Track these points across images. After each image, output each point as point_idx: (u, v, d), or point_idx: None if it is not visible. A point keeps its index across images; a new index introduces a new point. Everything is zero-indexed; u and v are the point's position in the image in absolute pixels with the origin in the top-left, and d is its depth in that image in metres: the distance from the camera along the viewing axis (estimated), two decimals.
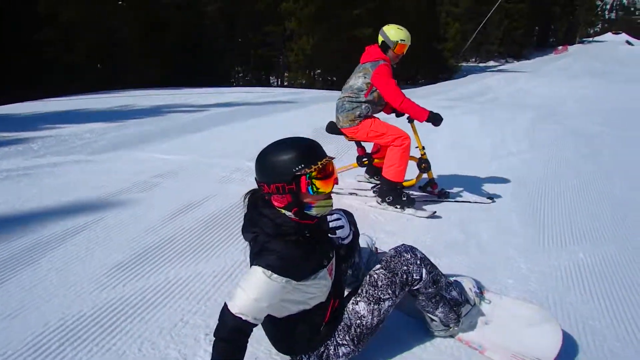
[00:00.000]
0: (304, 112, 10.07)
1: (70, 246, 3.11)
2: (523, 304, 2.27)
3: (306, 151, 1.67)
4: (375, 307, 1.90)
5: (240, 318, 1.58)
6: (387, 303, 1.92)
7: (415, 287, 1.98)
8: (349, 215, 2.06)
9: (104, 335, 2.19)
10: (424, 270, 1.97)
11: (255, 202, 1.78)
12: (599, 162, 6.25)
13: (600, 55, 43.54)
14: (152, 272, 2.79)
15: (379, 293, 1.91)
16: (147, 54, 21.90)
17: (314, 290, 1.78)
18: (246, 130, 7.69)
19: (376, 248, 2.53)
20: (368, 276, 1.97)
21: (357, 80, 3.76)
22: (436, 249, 3.21)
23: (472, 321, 2.17)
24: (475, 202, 4.20)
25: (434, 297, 2.04)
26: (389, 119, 4.16)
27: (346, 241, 1.98)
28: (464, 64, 44.97)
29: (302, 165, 1.63)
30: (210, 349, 1.63)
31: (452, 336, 2.20)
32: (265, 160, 1.67)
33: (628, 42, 56.19)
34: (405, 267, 1.94)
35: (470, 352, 2.12)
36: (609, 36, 67.57)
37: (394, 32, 3.82)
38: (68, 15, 19.26)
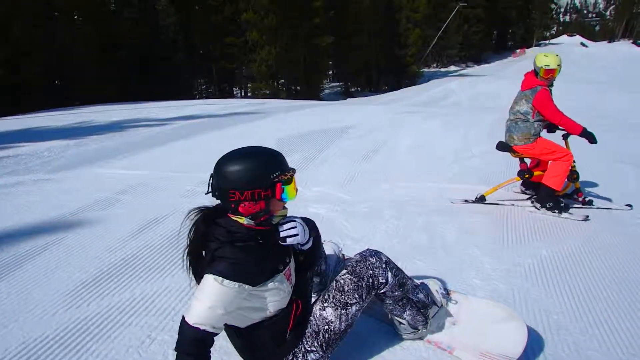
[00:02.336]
0: (267, 123, 10.07)
1: (30, 268, 3.02)
2: (488, 303, 2.31)
3: (279, 158, 1.73)
4: (343, 312, 1.90)
5: (199, 328, 1.57)
6: (354, 308, 1.92)
7: (382, 291, 1.99)
8: (309, 222, 2.08)
9: (69, 357, 2.14)
10: (389, 274, 1.98)
11: (207, 217, 1.75)
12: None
13: None
14: (117, 290, 2.73)
15: (346, 298, 1.91)
16: (104, 71, 21.48)
17: (272, 296, 1.77)
18: (209, 142, 7.63)
19: (343, 255, 2.54)
20: (334, 282, 1.97)
21: (521, 106, 4.26)
22: (403, 253, 3.24)
23: (440, 322, 2.20)
24: (615, 209, 4.34)
25: (401, 301, 2.06)
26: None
27: (305, 247, 1.95)
28: (426, 69, 45.81)
29: (279, 172, 1.69)
30: None
31: (421, 338, 2.22)
32: (238, 167, 1.66)
33: (582, 44, 58.27)
34: (370, 271, 1.95)
35: (439, 353, 2.14)
36: (564, 38, 70.01)
37: (539, 60, 4.26)
38: (16, 34, 18.73)
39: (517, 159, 4.58)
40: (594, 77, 28.77)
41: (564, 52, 48.55)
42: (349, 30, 34.35)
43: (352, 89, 39.46)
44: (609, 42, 67.09)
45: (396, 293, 2.02)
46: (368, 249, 2.06)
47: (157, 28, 25.50)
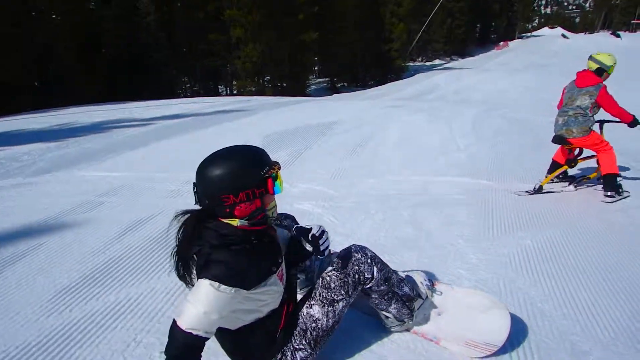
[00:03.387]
0: (253, 120, 10.02)
1: (10, 275, 2.95)
2: (472, 292, 2.33)
3: (263, 154, 1.71)
4: (330, 308, 1.90)
5: (191, 333, 1.54)
6: (341, 304, 1.92)
7: (368, 286, 1.99)
8: (293, 220, 2.06)
9: None
10: (375, 269, 1.98)
11: (196, 219, 1.70)
12: (542, 150, 6.49)
13: (538, 49, 45.47)
14: (101, 294, 2.68)
15: (333, 295, 1.91)
16: (85, 71, 21.15)
17: (266, 298, 1.75)
18: (194, 141, 7.57)
19: (329, 250, 2.53)
20: (320, 279, 1.96)
21: (583, 100, 4.50)
22: (389, 246, 3.27)
23: (425, 314, 2.21)
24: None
25: (387, 294, 2.06)
26: None
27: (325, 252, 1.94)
28: (411, 63, 45.95)
29: (267, 168, 1.68)
30: None
31: (407, 330, 2.23)
32: (226, 170, 1.62)
33: (563, 36, 58.75)
34: (356, 267, 1.95)
35: (426, 344, 2.16)
36: (545, 30, 70.51)
37: (609, 59, 4.54)
38: None
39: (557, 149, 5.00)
40: (576, 68, 29.03)
41: (546, 44, 49.19)
42: (333, 26, 34.30)
43: (338, 85, 39.43)
44: (589, 33, 67.84)
45: (382, 287, 2.03)
46: (353, 245, 2.05)
47: (138, 26, 25.12)
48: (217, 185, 1.62)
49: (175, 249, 1.72)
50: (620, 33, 56.24)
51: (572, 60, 33.81)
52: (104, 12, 23.17)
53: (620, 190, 4.48)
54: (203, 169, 1.64)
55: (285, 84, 31.39)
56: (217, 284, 1.56)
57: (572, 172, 5.01)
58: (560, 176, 4.98)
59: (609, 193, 4.45)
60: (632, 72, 18.94)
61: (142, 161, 6.18)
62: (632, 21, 68.93)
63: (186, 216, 1.71)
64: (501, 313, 2.15)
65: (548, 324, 2.37)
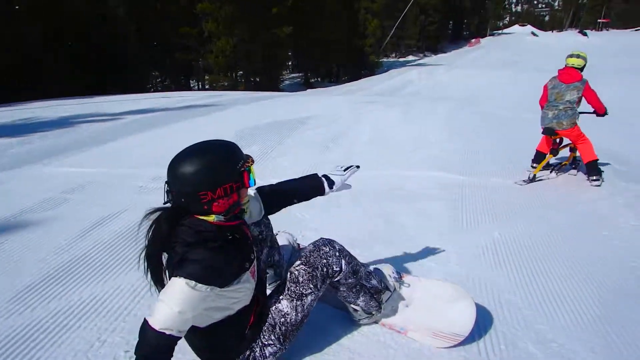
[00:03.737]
0: (225, 115, 9.91)
1: None
2: (439, 284, 2.35)
3: (237, 148, 1.69)
4: (298, 303, 1.89)
5: (164, 333, 1.49)
6: (309, 298, 1.91)
7: (336, 279, 1.98)
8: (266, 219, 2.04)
9: None
10: (343, 262, 1.98)
11: (169, 217, 1.63)
12: (512, 145, 6.62)
13: (509, 46, 46.30)
14: (64, 293, 2.60)
15: (301, 289, 1.90)
16: (51, 64, 20.52)
17: (238, 295, 1.72)
18: (164, 136, 7.43)
19: (298, 244, 2.51)
20: (289, 273, 1.94)
21: (572, 95, 4.85)
22: (361, 240, 3.28)
23: (393, 306, 2.22)
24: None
25: (355, 287, 2.06)
26: None
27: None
28: (385, 59, 46.17)
29: (242, 161, 1.66)
30: None
31: (375, 322, 2.25)
32: (202, 166, 1.58)
33: (533, 33, 59.87)
34: (324, 260, 1.94)
35: (395, 336, 2.18)
36: (516, 28, 71.81)
37: (583, 58, 5.00)
38: None
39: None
40: (546, 64, 29.66)
41: (517, 41, 50.09)
42: (307, 21, 34.17)
43: (312, 80, 39.38)
44: (558, 31, 69.29)
45: (350, 280, 2.02)
46: (321, 238, 2.03)
47: (107, 19, 24.47)
48: (195, 182, 1.57)
49: (146, 249, 1.65)
50: (588, 32, 57.59)
51: (541, 57, 34.56)
52: (73, 3, 22.48)
53: (602, 172, 4.93)
54: (177, 165, 1.58)
55: (258, 79, 31.12)
56: (193, 282, 1.51)
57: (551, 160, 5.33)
58: (533, 165, 5.22)
59: (594, 177, 4.84)
60: (600, 70, 19.37)
61: (110, 157, 6.03)
62: (599, 20, 70.67)
63: (157, 214, 1.64)
64: (467, 303, 2.18)
65: (515, 313, 2.43)
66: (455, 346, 2.10)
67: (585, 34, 54.36)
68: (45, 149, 6.52)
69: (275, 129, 7.78)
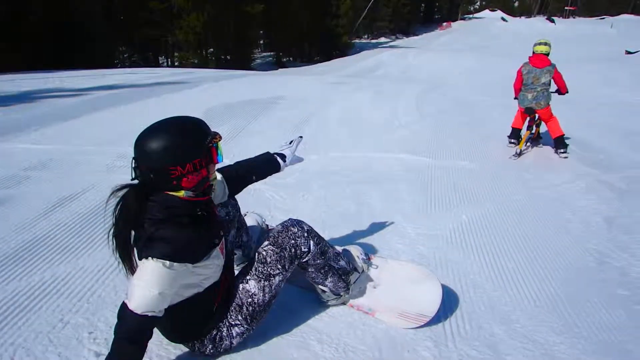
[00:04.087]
0: (194, 93, 9.73)
1: None
2: (406, 265, 2.39)
3: (204, 124, 1.67)
4: (266, 283, 1.89)
5: (147, 315, 1.50)
6: (277, 278, 1.91)
7: (304, 260, 1.98)
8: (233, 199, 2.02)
9: None
10: (311, 242, 1.98)
11: (138, 194, 1.60)
12: (480, 129, 6.72)
13: (479, 31, 46.76)
14: (25, 274, 2.52)
15: (269, 269, 1.89)
16: (11, 37, 19.64)
17: (208, 272, 1.71)
18: (131, 113, 7.23)
19: (267, 225, 2.50)
20: (257, 254, 1.94)
21: (546, 78, 5.49)
22: (331, 222, 3.29)
23: (361, 287, 2.24)
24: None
25: (323, 268, 2.06)
26: None
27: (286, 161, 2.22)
28: (357, 40, 46.03)
29: (210, 137, 1.65)
30: (95, 347, 1.51)
31: (344, 303, 2.26)
32: (172, 141, 1.56)
33: (503, 19, 60.35)
34: (292, 241, 1.94)
35: (363, 317, 2.20)
36: (486, 13, 72.14)
37: (549, 46, 5.70)
38: None
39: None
40: (515, 50, 30.07)
41: (486, 26, 50.55)
42: None
43: (284, 59, 39.00)
44: (527, 17, 70.10)
45: (318, 261, 2.03)
46: (290, 219, 2.03)
47: None
48: (164, 158, 1.54)
49: (114, 227, 1.61)
50: (555, 19, 58.49)
51: (510, 42, 35.05)
52: None
53: (568, 146, 5.56)
54: (145, 142, 1.55)
55: (229, 57, 30.64)
56: (168, 262, 1.51)
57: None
58: (511, 141, 5.93)
59: (562, 150, 5.52)
60: (567, 56, 19.72)
61: (74, 134, 5.82)
62: (566, 8, 71.74)
63: (125, 191, 1.60)
64: (433, 284, 2.21)
65: (480, 295, 2.49)
66: (421, 327, 2.13)
67: (552, 21, 55.18)
68: (6, 124, 6.24)
69: (246, 108, 7.68)
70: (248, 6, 28.25)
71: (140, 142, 1.56)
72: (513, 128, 5.95)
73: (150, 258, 1.51)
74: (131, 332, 1.52)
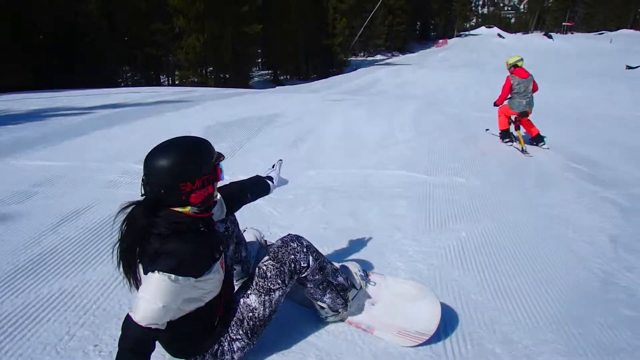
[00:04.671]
0: (194, 111, 9.83)
1: None
2: (405, 282, 2.39)
3: (209, 144, 1.79)
4: (266, 298, 1.93)
5: (150, 328, 1.56)
6: (277, 293, 1.95)
7: (303, 275, 2.02)
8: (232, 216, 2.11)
9: None
10: (310, 258, 2.02)
11: (146, 209, 1.67)
12: (477, 145, 6.82)
13: (475, 47, 47.07)
14: (33, 286, 2.60)
15: (269, 284, 1.94)
16: (17, 57, 19.86)
17: (209, 286, 1.76)
18: (134, 131, 7.34)
19: (265, 241, 2.56)
20: (257, 268, 1.99)
21: (529, 86, 6.78)
22: (328, 238, 3.30)
23: (359, 304, 2.25)
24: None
25: (322, 284, 2.10)
26: None
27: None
28: (353, 58, 46.36)
29: (216, 155, 1.79)
30: None
31: (342, 320, 2.28)
32: (189, 157, 1.69)
33: (499, 35, 60.94)
34: (292, 256, 1.98)
35: (363, 335, 2.21)
36: (483, 30, 72.95)
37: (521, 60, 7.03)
38: None
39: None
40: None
41: (483, 42, 50.91)
42: (276, 18, 34.11)
43: (281, 77, 39.27)
44: (524, 34, 70.78)
45: (317, 277, 2.06)
46: (289, 234, 2.08)
47: (77, 12, 23.84)
48: (176, 174, 1.64)
49: (120, 242, 1.68)
50: (553, 34, 59.05)
51: (506, 58, 35.21)
52: None
53: (544, 137, 6.86)
54: (157, 159, 1.65)
55: (228, 75, 30.92)
56: (173, 275, 1.58)
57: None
58: (506, 140, 7.07)
59: (542, 143, 6.82)
60: (566, 72, 19.96)
61: (80, 151, 5.92)
62: (563, 23, 72.42)
63: (132, 207, 1.68)
64: (432, 302, 2.21)
65: (480, 314, 2.46)
66: (421, 345, 2.14)
67: (550, 37, 55.72)
68: (15, 142, 6.36)
69: (244, 125, 7.78)
70: (247, 27, 28.59)
71: (152, 160, 1.65)
72: (503, 130, 7.09)
73: (155, 272, 1.58)
74: (135, 343, 1.57)
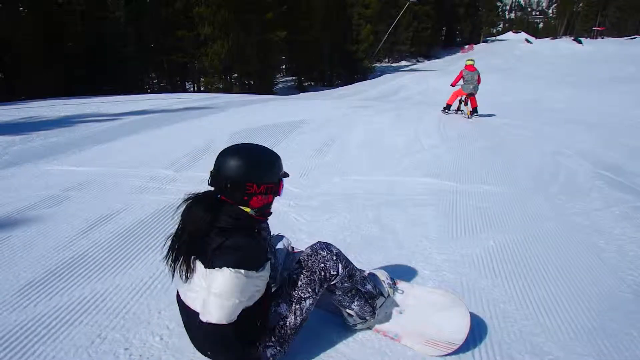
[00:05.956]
0: (220, 117, 9.96)
1: None
2: (433, 291, 2.37)
3: (280, 159, 1.95)
4: (297, 306, 1.94)
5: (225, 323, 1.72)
6: (308, 302, 1.96)
7: (333, 283, 2.03)
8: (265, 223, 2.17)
9: None
10: (340, 266, 2.02)
11: (211, 202, 1.79)
12: (503, 152, 6.73)
13: (502, 53, 46.56)
14: (66, 289, 2.66)
15: (300, 292, 1.95)
16: (49, 64, 20.43)
17: (262, 284, 1.82)
18: (161, 137, 7.47)
19: (292, 248, 2.57)
20: (287, 277, 2.01)
21: (475, 77, 10.69)
22: (354, 245, 3.31)
23: (387, 312, 2.25)
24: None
25: (350, 292, 2.11)
26: None
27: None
28: (377, 64, 46.31)
29: (283, 172, 1.94)
30: None
31: (369, 328, 2.27)
32: (263, 163, 1.86)
33: (527, 40, 60.07)
34: (322, 264, 1.99)
35: (390, 343, 2.20)
36: (510, 35, 72.00)
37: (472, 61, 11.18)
38: None
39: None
40: (537, 72, 29.87)
41: (510, 48, 50.33)
42: (301, 25, 34.31)
43: (306, 84, 39.46)
44: (553, 39, 69.71)
45: (345, 284, 2.07)
46: (318, 242, 2.09)
47: (105, 20, 24.50)
48: (244, 172, 1.78)
49: (179, 234, 1.79)
50: (582, 39, 58.03)
51: (533, 64, 34.73)
52: (72, 7, 22.47)
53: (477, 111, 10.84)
54: (231, 154, 1.80)
55: (252, 82, 31.22)
56: (243, 270, 1.68)
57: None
58: (460, 111, 11.34)
59: (476, 114, 10.86)
60: (597, 77, 19.56)
61: (109, 156, 6.06)
62: (593, 28, 71.16)
63: (195, 200, 1.79)
64: (461, 312, 2.18)
65: (510, 324, 2.43)
66: (450, 355, 2.12)
67: (580, 42, 54.75)
68: (46, 148, 6.54)
69: (269, 132, 7.84)
70: (271, 33, 28.84)
71: (227, 155, 1.81)
72: (448, 104, 11.34)
73: (225, 268, 1.67)
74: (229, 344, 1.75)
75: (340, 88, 27.97)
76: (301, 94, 27.96)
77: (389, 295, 2.26)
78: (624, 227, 3.93)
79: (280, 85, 37.54)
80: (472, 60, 10.90)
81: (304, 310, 1.96)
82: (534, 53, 44.20)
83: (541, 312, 2.57)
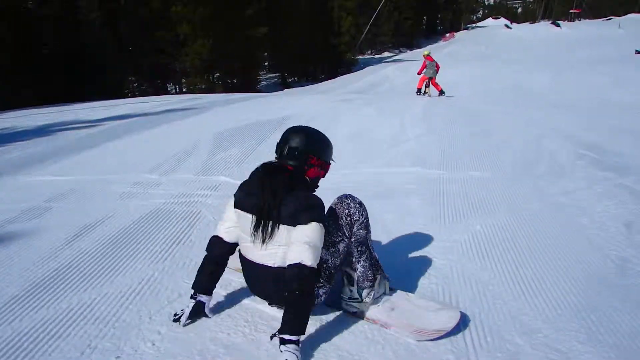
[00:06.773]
0: (203, 118, 9.88)
1: None
2: (427, 300, 2.42)
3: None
4: (333, 249, 2.18)
5: (315, 267, 1.96)
6: (342, 245, 2.20)
7: (355, 226, 2.23)
8: None
9: None
10: (362, 213, 2.26)
11: (288, 175, 2.07)
12: (490, 138, 6.76)
13: (483, 39, 46.89)
14: (52, 301, 2.60)
15: (333, 237, 2.18)
16: (22, 72, 20.06)
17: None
18: (144, 141, 7.37)
19: None
20: None
21: (433, 66, 14.28)
22: None
23: (379, 304, 2.31)
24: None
25: (361, 246, 2.27)
26: None
27: None
28: (360, 56, 46.37)
29: (332, 156, 2.34)
30: None
31: (361, 317, 2.31)
32: (324, 142, 2.27)
33: (507, 26, 60.48)
34: (347, 210, 2.23)
35: (383, 332, 2.21)
36: (490, 21, 72.44)
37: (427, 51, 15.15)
38: None
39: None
40: (519, 58, 30.08)
41: (490, 34, 50.67)
42: (282, 20, 34.19)
43: (290, 80, 39.38)
44: (532, 23, 70.14)
45: (361, 231, 2.26)
46: (344, 193, 2.34)
47: (80, 25, 24.05)
48: (311, 144, 2.18)
49: (268, 196, 2.01)
50: (560, 22, 58.49)
51: (514, 50, 34.98)
52: (43, 11, 22.04)
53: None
54: (302, 129, 2.24)
55: (235, 80, 31.07)
56: (321, 224, 2.01)
57: None
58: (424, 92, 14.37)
59: (445, 94, 13.58)
60: (576, 59, 19.75)
61: (90, 164, 5.97)
62: (571, 11, 71.70)
63: (271, 169, 2.12)
64: (451, 309, 2.29)
65: (500, 306, 2.46)
66: (441, 339, 2.13)
67: (558, 25, 55.20)
68: (25, 158, 6.40)
69: (254, 130, 7.79)
70: (252, 30, 28.67)
71: (297, 130, 2.23)
72: (418, 88, 14.55)
73: (313, 222, 1.97)
74: (311, 283, 1.97)
75: (324, 82, 27.97)
76: (285, 90, 27.90)
77: (387, 279, 2.38)
78: (607, 205, 4.02)
79: (264, 83, 37.45)
80: (428, 51, 14.89)
81: (340, 251, 2.20)
82: (514, 39, 44.53)
83: (529, 292, 2.61)
